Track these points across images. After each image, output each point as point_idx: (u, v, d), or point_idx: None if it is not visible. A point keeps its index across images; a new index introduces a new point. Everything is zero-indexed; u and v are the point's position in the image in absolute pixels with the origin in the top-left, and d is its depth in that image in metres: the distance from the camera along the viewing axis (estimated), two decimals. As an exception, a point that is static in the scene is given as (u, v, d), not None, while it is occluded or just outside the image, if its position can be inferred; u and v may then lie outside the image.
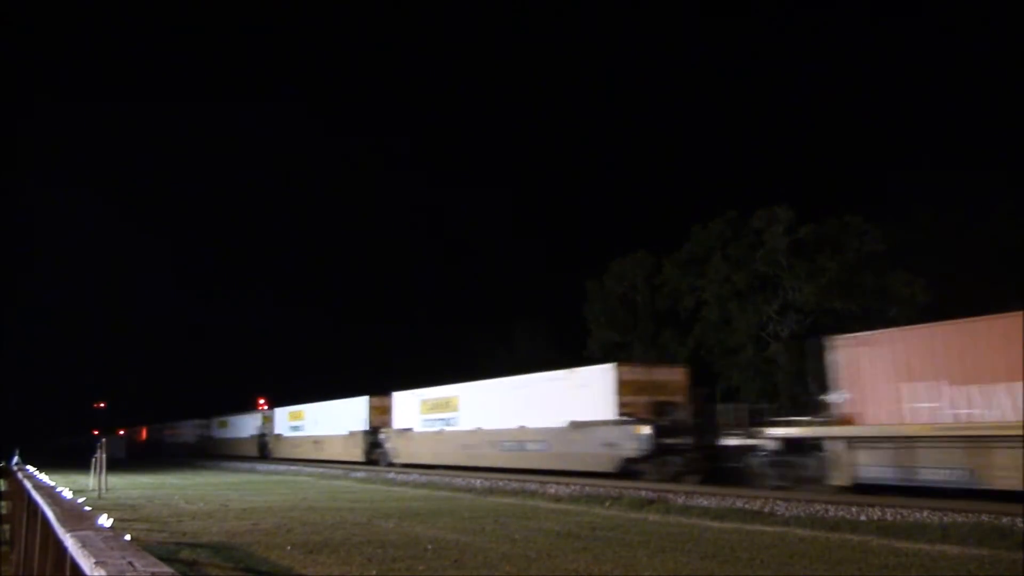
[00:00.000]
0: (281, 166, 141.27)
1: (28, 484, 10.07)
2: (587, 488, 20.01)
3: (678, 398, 23.40)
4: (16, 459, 27.98)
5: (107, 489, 23.63)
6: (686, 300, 42.85)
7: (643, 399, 23.15)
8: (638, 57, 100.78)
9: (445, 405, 31.89)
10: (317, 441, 42.50)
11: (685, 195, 78.39)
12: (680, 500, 17.15)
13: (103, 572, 2.81)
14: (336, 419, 40.39)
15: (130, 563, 2.91)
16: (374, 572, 9.54)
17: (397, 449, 34.59)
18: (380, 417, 36.85)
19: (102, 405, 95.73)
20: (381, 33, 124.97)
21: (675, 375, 24.92)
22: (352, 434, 38.49)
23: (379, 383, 41.36)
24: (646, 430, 21.96)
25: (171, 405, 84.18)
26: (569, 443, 24.56)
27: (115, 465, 29.92)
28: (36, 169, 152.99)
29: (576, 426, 24.34)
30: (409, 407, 34.44)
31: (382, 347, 79.67)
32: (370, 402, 37.80)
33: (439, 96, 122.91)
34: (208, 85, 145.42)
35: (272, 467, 40.75)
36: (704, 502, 16.56)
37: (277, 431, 48.56)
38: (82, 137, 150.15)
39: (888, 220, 37.09)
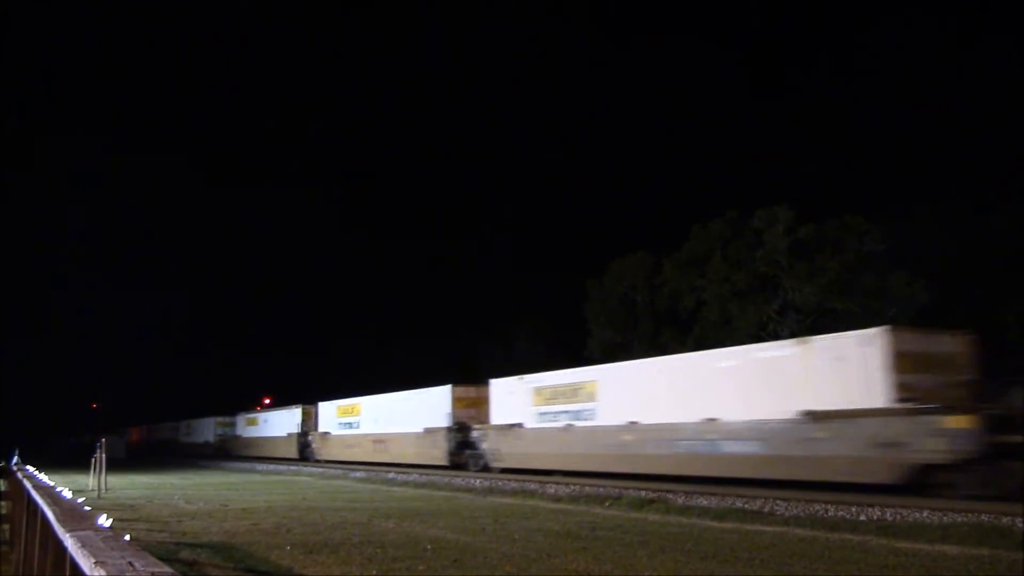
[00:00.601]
0: (281, 161, 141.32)
1: (28, 484, 10.07)
2: (587, 488, 20.00)
3: (967, 375, 17.21)
4: (16, 459, 28.01)
5: (107, 489, 23.64)
6: (686, 300, 42.87)
7: (927, 378, 16.62)
8: (638, 57, 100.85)
9: (574, 393, 25.07)
10: (379, 440, 36.26)
11: (685, 195, 78.51)
12: (680, 500, 17.16)
13: (103, 572, 2.81)
14: (406, 414, 34.18)
15: (130, 563, 2.91)
16: (374, 572, 9.54)
17: (499, 450, 28.19)
18: (467, 411, 30.95)
19: (101, 405, 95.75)
20: (383, 40, 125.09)
21: (959, 344, 17.78)
22: (429, 432, 31.97)
23: (376, 384, 41.18)
24: (965, 423, 15.10)
25: (172, 405, 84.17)
26: (805, 442, 17.59)
27: (115, 465, 29.92)
28: (36, 171, 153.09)
29: (817, 418, 17.38)
30: (516, 397, 27.90)
31: (381, 347, 79.73)
32: (454, 392, 31.35)
33: (442, 94, 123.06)
34: (214, 89, 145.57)
35: (273, 467, 40.71)
36: (704, 502, 16.56)
37: (323, 429, 42.51)
38: (81, 139, 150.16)
39: (888, 220, 37.15)
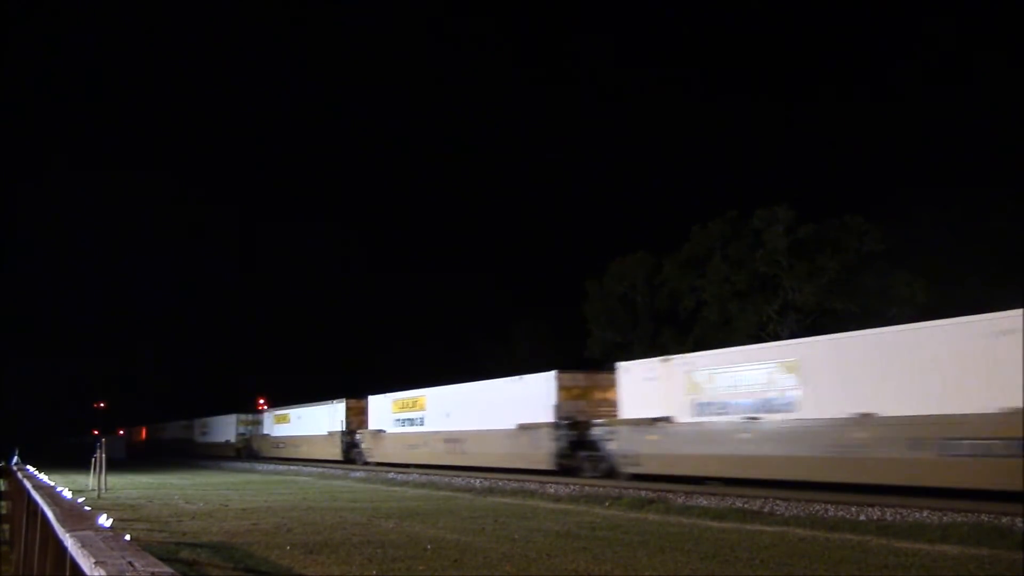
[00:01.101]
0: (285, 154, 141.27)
1: (28, 484, 10.06)
2: (587, 488, 20.01)
3: None
4: (16, 459, 28.02)
5: (107, 489, 23.66)
6: (686, 300, 42.92)
7: None
8: (637, 57, 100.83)
9: (731, 381, 19.80)
10: (454, 440, 30.84)
11: (685, 195, 78.63)
12: (680, 500, 17.16)
13: (103, 572, 2.81)
14: (492, 407, 28.90)
15: (130, 563, 2.90)
16: (374, 572, 9.54)
17: (634, 452, 22.33)
18: (575, 402, 25.54)
19: (102, 405, 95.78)
20: (383, 43, 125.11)
21: None
22: (526, 429, 26.46)
23: (377, 385, 41.12)
24: None
25: (172, 405, 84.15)
26: None
27: (115, 465, 29.92)
28: (38, 168, 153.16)
29: None
30: (660, 384, 21.93)
31: (380, 348, 79.72)
32: (559, 379, 25.77)
33: (443, 92, 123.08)
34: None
35: (273, 467, 40.71)
36: (704, 502, 16.57)
37: (375, 426, 37.56)
38: (81, 138, 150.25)
39: (888, 220, 37.22)
